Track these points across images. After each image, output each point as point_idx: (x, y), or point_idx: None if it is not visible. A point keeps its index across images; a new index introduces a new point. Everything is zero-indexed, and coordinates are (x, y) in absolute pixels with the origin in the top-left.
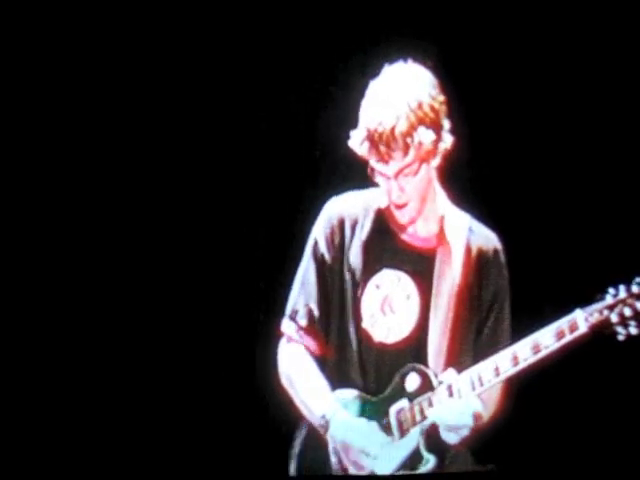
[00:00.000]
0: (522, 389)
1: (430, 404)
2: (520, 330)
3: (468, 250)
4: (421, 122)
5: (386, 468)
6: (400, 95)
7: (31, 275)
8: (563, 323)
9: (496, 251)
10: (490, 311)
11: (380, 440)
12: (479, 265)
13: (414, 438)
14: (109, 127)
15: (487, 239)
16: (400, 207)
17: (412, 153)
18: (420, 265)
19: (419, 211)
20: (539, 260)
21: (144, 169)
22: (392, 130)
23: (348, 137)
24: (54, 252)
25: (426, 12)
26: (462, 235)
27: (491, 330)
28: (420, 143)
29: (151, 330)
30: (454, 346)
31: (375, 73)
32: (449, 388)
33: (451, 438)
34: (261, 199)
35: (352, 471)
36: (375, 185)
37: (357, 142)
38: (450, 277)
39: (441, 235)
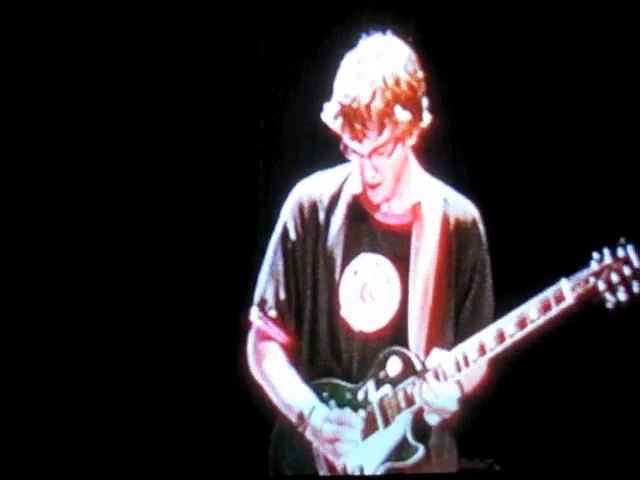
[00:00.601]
0: (507, 369)
1: (415, 388)
2: (503, 303)
3: (445, 222)
4: (397, 100)
5: (375, 457)
6: (377, 69)
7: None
8: (548, 294)
9: (474, 221)
10: (471, 284)
11: (357, 432)
12: (457, 236)
13: (400, 426)
14: (88, 115)
15: (464, 209)
16: (373, 187)
17: (387, 133)
18: (398, 246)
19: (393, 190)
20: (519, 228)
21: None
22: (367, 107)
23: (320, 110)
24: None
25: None
26: (437, 207)
27: (473, 304)
28: (396, 123)
29: (129, 323)
30: (435, 324)
31: (351, 44)
32: (435, 371)
33: (433, 419)
34: (224, 181)
35: (338, 464)
36: (345, 161)
37: (330, 116)
38: (427, 252)
39: (415, 210)
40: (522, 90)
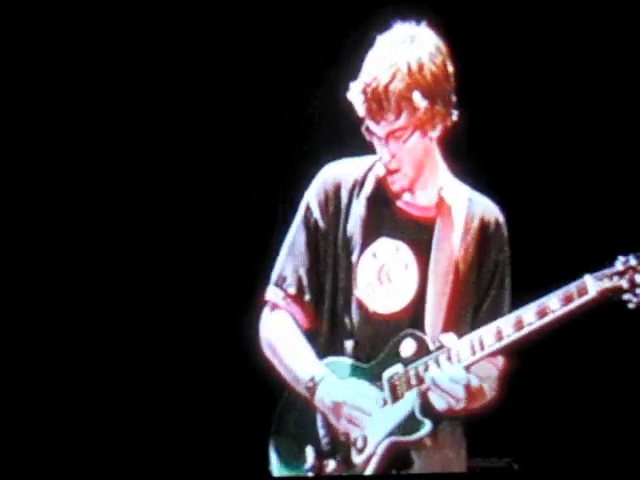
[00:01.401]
0: (522, 367)
1: (426, 368)
2: (522, 304)
3: (469, 221)
4: (417, 85)
5: (380, 431)
6: (402, 54)
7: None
8: (571, 287)
9: (497, 223)
10: (491, 283)
11: (374, 396)
12: (480, 236)
13: (409, 402)
14: (92, 115)
15: (489, 210)
16: (391, 173)
17: (404, 117)
18: (419, 235)
19: (412, 181)
20: (541, 235)
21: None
22: (386, 88)
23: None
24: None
25: None
26: (462, 205)
27: (489, 306)
28: (413, 108)
29: (135, 301)
30: (452, 317)
31: (384, 28)
32: (448, 352)
33: (439, 403)
34: (252, 161)
35: (343, 431)
36: (371, 151)
37: (354, 94)
38: (449, 247)
39: (440, 205)
40: (551, 97)
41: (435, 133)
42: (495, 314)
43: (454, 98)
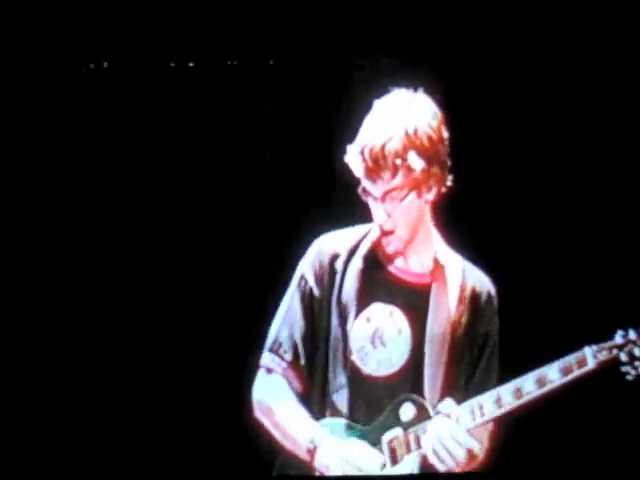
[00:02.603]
0: (518, 429)
1: (426, 431)
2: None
3: (463, 289)
4: (413, 146)
5: None
6: (400, 116)
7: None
8: (571, 359)
9: (489, 295)
10: (481, 354)
11: (375, 457)
12: (472, 306)
13: (408, 465)
14: (107, 125)
15: (481, 281)
16: (386, 234)
17: (400, 177)
18: (413, 300)
19: (406, 242)
20: (531, 308)
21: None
22: (382, 147)
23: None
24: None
25: (442, 46)
26: (457, 274)
27: (482, 373)
28: (409, 168)
29: (131, 355)
30: (449, 382)
31: (381, 94)
32: (447, 416)
33: (437, 464)
34: (247, 227)
35: None
36: (365, 220)
37: (350, 157)
38: (445, 314)
39: (436, 272)
40: (545, 167)
41: (430, 196)
42: (485, 384)
43: (449, 162)
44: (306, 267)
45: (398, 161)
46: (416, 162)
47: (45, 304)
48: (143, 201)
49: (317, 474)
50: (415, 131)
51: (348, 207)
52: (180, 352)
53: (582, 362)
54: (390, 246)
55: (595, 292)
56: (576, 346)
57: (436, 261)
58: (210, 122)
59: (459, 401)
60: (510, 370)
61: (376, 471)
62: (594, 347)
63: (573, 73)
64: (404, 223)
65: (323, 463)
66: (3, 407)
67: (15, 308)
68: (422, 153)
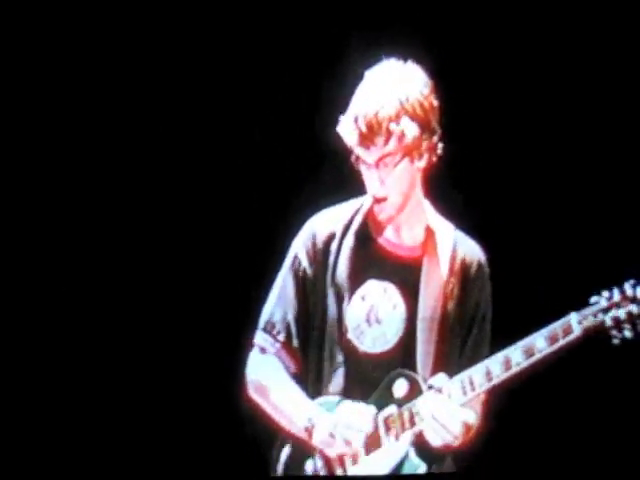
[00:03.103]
0: (510, 397)
1: (420, 408)
2: (505, 344)
3: (453, 260)
4: (406, 112)
5: (378, 472)
6: (391, 85)
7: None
8: (557, 327)
9: (480, 263)
10: (472, 323)
11: (366, 412)
12: (463, 276)
13: (404, 443)
14: (102, 123)
15: (472, 250)
16: (379, 201)
17: (393, 142)
18: (406, 275)
19: (398, 209)
20: (524, 272)
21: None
22: (376, 114)
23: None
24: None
25: (430, 16)
26: (448, 244)
27: (473, 343)
28: (402, 133)
29: (127, 338)
30: (441, 356)
31: (371, 64)
32: (439, 390)
33: (435, 440)
34: (240, 207)
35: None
36: (357, 193)
37: (343, 126)
38: (436, 287)
39: (427, 244)
40: (536, 131)
41: (422, 163)
42: (477, 354)
43: (439, 131)
44: (299, 247)
45: (392, 126)
46: (409, 127)
47: (39, 294)
48: (133, 184)
49: (317, 453)
50: (407, 98)
51: (339, 182)
52: (175, 333)
53: (568, 329)
54: (382, 213)
55: (585, 253)
56: (567, 308)
57: (428, 230)
58: (199, 99)
59: (453, 374)
60: (502, 341)
61: (368, 426)
62: (579, 313)
63: (563, 43)
64: (397, 189)
65: (321, 440)
66: (2, 407)
67: (13, 306)
68: (415, 119)
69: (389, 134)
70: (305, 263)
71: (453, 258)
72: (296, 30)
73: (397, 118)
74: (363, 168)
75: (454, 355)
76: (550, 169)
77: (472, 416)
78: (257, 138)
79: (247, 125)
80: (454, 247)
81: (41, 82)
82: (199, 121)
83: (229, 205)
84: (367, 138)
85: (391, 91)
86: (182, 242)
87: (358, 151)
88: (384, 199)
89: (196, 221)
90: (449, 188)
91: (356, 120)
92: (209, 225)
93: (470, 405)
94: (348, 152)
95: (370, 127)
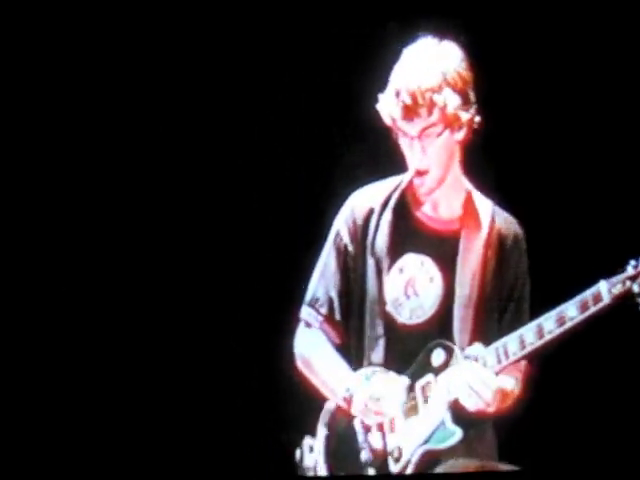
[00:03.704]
0: (545, 368)
1: (456, 375)
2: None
3: (491, 234)
4: (448, 84)
5: (414, 440)
6: (430, 60)
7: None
8: (587, 295)
9: (516, 236)
10: (511, 295)
11: (397, 385)
12: (500, 249)
13: (440, 411)
14: (113, 124)
15: (509, 224)
16: (421, 174)
17: (436, 113)
18: (443, 248)
19: (439, 181)
20: (558, 246)
21: (162, 151)
22: (419, 86)
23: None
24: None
25: None
26: (486, 218)
27: (512, 314)
28: (445, 104)
29: (170, 316)
30: (478, 326)
31: (408, 44)
32: (475, 359)
33: (470, 404)
34: (283, 187)
35: (378, 445)
36: (397, 170)
37: (384, 102)
38: (474, 260)
39: (465, 217)
40: (562, 106)
41: (460, 136)
42: (516, 324)
43: (475, 105)
44: (341, 224)
45: (435, 97)
46: (451, 98)
47: (45, 294)
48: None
49: (356, 421)
50: (447, 70)
51: (379, 160)
52: (232, 311)
53: (598, 297)
54: (423, 187)
55: (615, 222)
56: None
57: (467, 202)
58: (238, 83)
59: (489, 344)
60: (539, 312)
61: (399, 397)
62: (608, 280)
63: (597, 21)
64: (439, 161)
65: (359, 409)
66: (3, 407)
67: (15, 307)
68: (455, 90)
69: (432, 105)
70: (346, 239)
71: (490, 231)
72: (334, 11)
73: (439, 89)
74: (404, 142)
75: (492, 328)
76: (583, 147)
77: (510, 383)
78: (296, 117)
79: (288, 107)
80: (492, 220)
81: (41, 82)
82: (238, 101)
83: (281, 187)
84: (411, 110)
85: (431, 64)
86: (236, 224)
87: (401, 124)
88: (426, 171)
89: (246, 202)
90: (486, 164)
91: (398, 94)
92: (260, 206)
93: (508, 372)
94: (387, 130)
95: (414, 99)
